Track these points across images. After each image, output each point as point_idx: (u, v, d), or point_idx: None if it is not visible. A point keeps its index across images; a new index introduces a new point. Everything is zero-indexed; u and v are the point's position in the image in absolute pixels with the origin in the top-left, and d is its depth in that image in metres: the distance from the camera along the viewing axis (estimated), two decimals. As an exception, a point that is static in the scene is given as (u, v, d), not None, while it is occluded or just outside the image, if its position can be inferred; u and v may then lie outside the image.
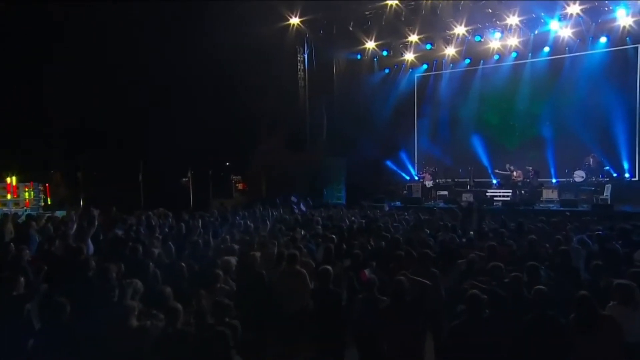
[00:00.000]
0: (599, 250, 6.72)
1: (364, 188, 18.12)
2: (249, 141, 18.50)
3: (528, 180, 16.09)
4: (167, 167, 17.56)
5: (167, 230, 9.58)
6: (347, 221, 11.12)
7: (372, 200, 16.92)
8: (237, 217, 11.77)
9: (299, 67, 18.82)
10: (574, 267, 6.27)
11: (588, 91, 16.27)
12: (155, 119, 16.56)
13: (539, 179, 16.33)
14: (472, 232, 8.90)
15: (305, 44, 19.26)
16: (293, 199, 14.46)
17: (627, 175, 15.75)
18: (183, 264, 6.06)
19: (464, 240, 8.15)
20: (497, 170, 17.22)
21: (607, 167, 15.54)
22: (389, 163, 19.78)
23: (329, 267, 5.46)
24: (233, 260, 6.48)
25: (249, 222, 10.48)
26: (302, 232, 9.15)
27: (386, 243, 7.71)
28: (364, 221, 10.80)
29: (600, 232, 6.97)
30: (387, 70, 20.62)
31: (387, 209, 13.88)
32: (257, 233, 9.09)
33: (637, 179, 15.47)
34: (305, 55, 19.42)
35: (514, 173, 16.39)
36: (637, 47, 15.85)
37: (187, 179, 18.29)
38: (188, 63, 16.23)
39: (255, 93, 16.90)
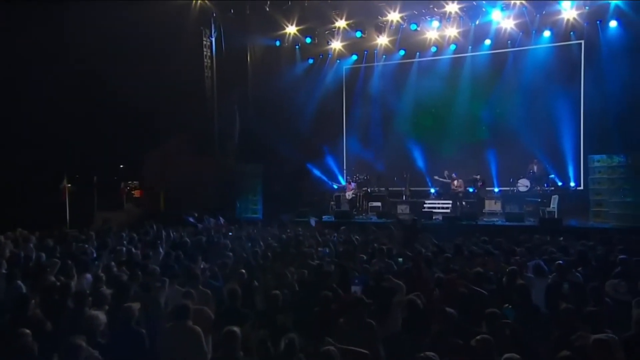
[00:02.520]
0: (559, 282, 6.51)
1: (284, 199, 17.73)
2: (146, 142, 17.17)
3: (472, 190, 16.28)
4: (36, 174, 15.80)
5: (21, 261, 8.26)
6: (261, 244, 10.30)
7: (295, 214, 16.35)
8: (123, 240, 10.57)
9: (205, 53, 17.67)
10: (534, 307, 5.99)
11: (531, 90, 16.86)
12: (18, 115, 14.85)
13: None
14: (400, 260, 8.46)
15: (212, 26, 18.34)
16: (189, 218, 13.41)
17: (572, 184, 16.40)
18: (25, 331, 4.73)
19: (404, 267, 7.70)
20: (436, 177, 17.27)
21: (552, 175, 16.04)
22: (313, 169, 19.44)
23: (236, 330, 4.51)
24: (102, 316, 5.33)
25: (134, 250, 9.30)
26: (203, 265, 8.16)
27: (311, 277, 7.04)
28: (282, 243, 10.07)
29: (561, 262, 6.76)
30: (310, 61, 20.27)
31: (313, 224, 13.22)
32: (144, 266, 7.93)
33: (582, 188, 16.08)
34: (213, 40, 18.44)
35: (455, 182, 16.48)
36: (581, 44, 16.60)
37: (63, 186, 16.43)
38: (55, 49, 14.67)
39: (150, 84, 15.70)
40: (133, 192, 20.14)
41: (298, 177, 19.02)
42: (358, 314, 5.18)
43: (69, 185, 16.24)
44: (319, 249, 9.72)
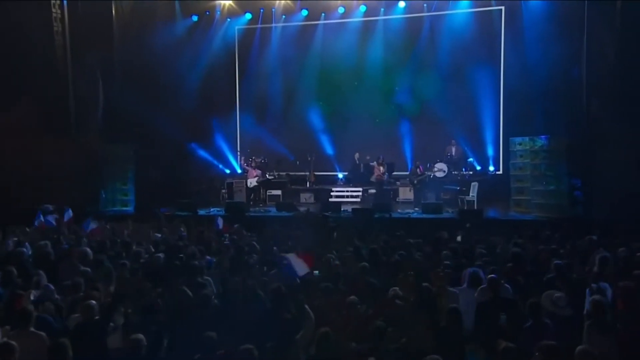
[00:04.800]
0: (493, 300, 6.23)
1: (163, 188, 16.67)
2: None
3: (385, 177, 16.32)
4: None
5: None
6: (134, 249, 9.13)
7: (176, 206, 15.18)
8: None
9: (52, 2, 15.54)
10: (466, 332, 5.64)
11: (449, 62, 17.04)
12: None
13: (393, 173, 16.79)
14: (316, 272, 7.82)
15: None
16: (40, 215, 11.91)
17: (491, 168, 16.84)
18: None
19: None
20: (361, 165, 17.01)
21: (471, 159, 16.45)
22: (199, 151, 18.45)
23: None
24: None
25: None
26: (35, 292, 6.70)
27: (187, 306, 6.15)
28: (161, 254, 8.87)
29: (494, 276, 6.46)
30: (194, 18, 19.01)
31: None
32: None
33: (501, 172, 16.57)
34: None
35: (381, 168, 16.23)
36: (502, 10, 16.93)
37: None
38: None
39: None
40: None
41: (180, 160, 18.06)
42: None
43: None
44: (207, 257, 8.76)
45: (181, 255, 8.62)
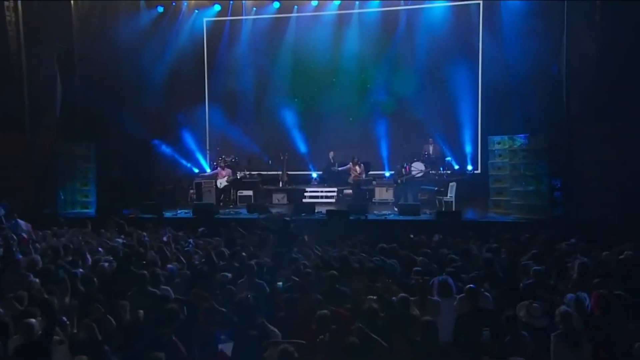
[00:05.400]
0: (473, 312, 6.10)
1: (127, 189, 16.51)
2: None
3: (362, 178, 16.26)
4: None
5: None
6: (88, 259, 8.81)
7: (141, 208, 14.84)
8: None
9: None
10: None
11: (427, 58, 17.00)
12: None
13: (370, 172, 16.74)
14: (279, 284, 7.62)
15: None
16: None
17: (469, 167, 16.88)
18: None
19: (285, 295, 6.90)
20: (335, 168, 16.85)
21: (449, 158, 16.49)
22: (166, 149, 18.17)
23: None
24: None
25: None
26: None
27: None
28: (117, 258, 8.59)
29: (472, 286, 6.33)
30: (160, 9, 18.61)
31: (164, 239, 11.52)
32: None
33: (479, 171, 16.61)
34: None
35: (357, 168, 16.09)
36: (479, 4, 16.92)
37: None
38: None
39: None
40: None
41: (145, 159, 17.88)
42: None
43: None
44: (168, 265, 8.46)
45: (143, 262, 8.35)
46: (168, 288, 7.06)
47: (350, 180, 16.18)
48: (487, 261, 7.96)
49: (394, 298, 6.23)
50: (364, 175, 16.23)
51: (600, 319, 5.88)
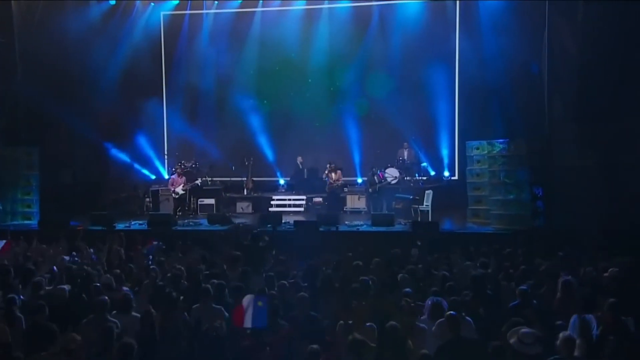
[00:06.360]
0: (455, 342, 5.82)
1: (74, 198, 16.17)
2: None
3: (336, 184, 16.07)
4: None
5: None
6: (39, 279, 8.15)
7: (90, 219, 14.32)
8: None
9: None
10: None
11: (401, 57, 17.06)
12: None
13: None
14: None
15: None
16: None
17: (446, 173, 16.87)
18: None
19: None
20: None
21: (425, 164, 16.48)
22: (119, 153, 17.94)
23: None
24: None
25: None
26: None
27: None
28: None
29: (453, 314, 6.07)
30: (112, 2, 18.18)
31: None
32: None
33: (456, 177, 16.61)
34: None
35: (332, 174, 15.92)
36: (456, 2, 16.97)
37: None
38: None
39: None
40: None
41: (95, 164, 17.73)
42: None
43: None
44: (123, 288, 7.94)
45: (97, 285, 7.79)
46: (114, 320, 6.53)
47: (327, 189, 16.02)
48: (476, 279, 7.72)
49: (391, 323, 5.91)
50: (340, 182, 16.03)
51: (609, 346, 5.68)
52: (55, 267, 9.05)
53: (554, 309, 6.86)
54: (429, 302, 6.73)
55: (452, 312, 6.17)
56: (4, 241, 10.88)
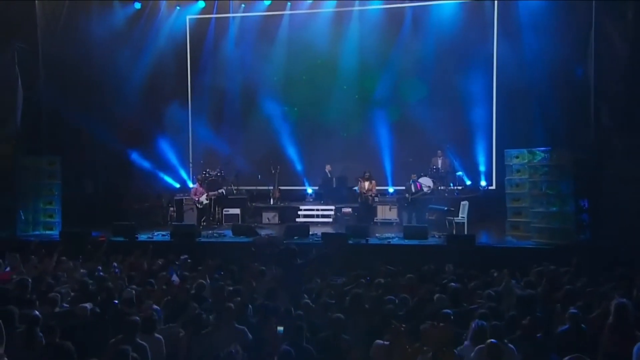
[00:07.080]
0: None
1: (97, 208, 16.43)
2: None
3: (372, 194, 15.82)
4: None
5: None
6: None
7: (112, 230, 14.23)
8: None
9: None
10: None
11: (435, 60, 16.95)
12: None
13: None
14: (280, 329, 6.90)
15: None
16: None
17: (483, 183, 16.55)
18: None
19: None
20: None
21: (460, 173, 16.21)
22: (142, 162, 17.99)
23: None
24: None
25: None
26: None
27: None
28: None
29: (493, 342, 5.69)
30: (137, 5, 18.38)
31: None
32: None
33: (494, 187, 16.23)
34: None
35: (365, 184, 15.65)
36: (494, 2, 16.69)
37: None
38: None
39: None
40: None
41: (118, 173, 17.80)
42: None
43: None
44: (149, 305, 7.64)
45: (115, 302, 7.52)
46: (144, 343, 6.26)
47: (358, 197, 15.89)
48: (524, 300, 7.29)
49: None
50: (374, 192, 15.75)
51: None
52: (76, 283, 8.94)
53: (606, 337, 6.40)
54: (474, 325, 6.37)
55: (492, 340, 5.78)
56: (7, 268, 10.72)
